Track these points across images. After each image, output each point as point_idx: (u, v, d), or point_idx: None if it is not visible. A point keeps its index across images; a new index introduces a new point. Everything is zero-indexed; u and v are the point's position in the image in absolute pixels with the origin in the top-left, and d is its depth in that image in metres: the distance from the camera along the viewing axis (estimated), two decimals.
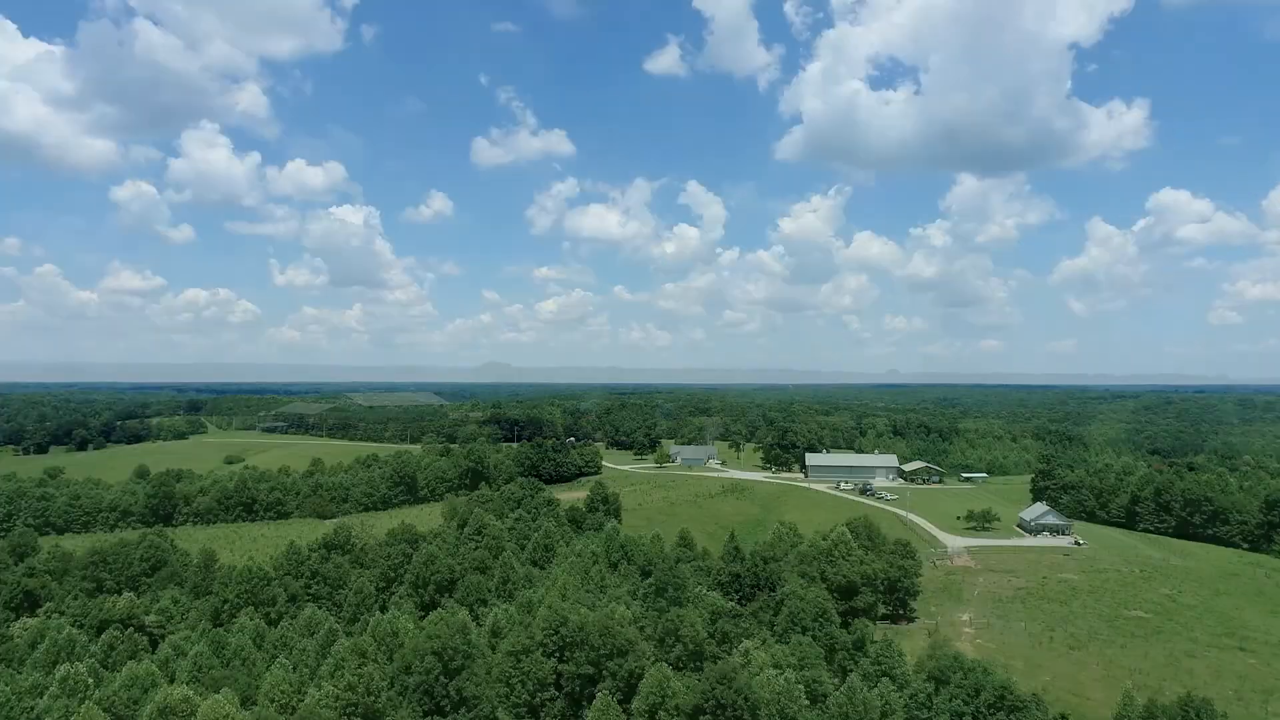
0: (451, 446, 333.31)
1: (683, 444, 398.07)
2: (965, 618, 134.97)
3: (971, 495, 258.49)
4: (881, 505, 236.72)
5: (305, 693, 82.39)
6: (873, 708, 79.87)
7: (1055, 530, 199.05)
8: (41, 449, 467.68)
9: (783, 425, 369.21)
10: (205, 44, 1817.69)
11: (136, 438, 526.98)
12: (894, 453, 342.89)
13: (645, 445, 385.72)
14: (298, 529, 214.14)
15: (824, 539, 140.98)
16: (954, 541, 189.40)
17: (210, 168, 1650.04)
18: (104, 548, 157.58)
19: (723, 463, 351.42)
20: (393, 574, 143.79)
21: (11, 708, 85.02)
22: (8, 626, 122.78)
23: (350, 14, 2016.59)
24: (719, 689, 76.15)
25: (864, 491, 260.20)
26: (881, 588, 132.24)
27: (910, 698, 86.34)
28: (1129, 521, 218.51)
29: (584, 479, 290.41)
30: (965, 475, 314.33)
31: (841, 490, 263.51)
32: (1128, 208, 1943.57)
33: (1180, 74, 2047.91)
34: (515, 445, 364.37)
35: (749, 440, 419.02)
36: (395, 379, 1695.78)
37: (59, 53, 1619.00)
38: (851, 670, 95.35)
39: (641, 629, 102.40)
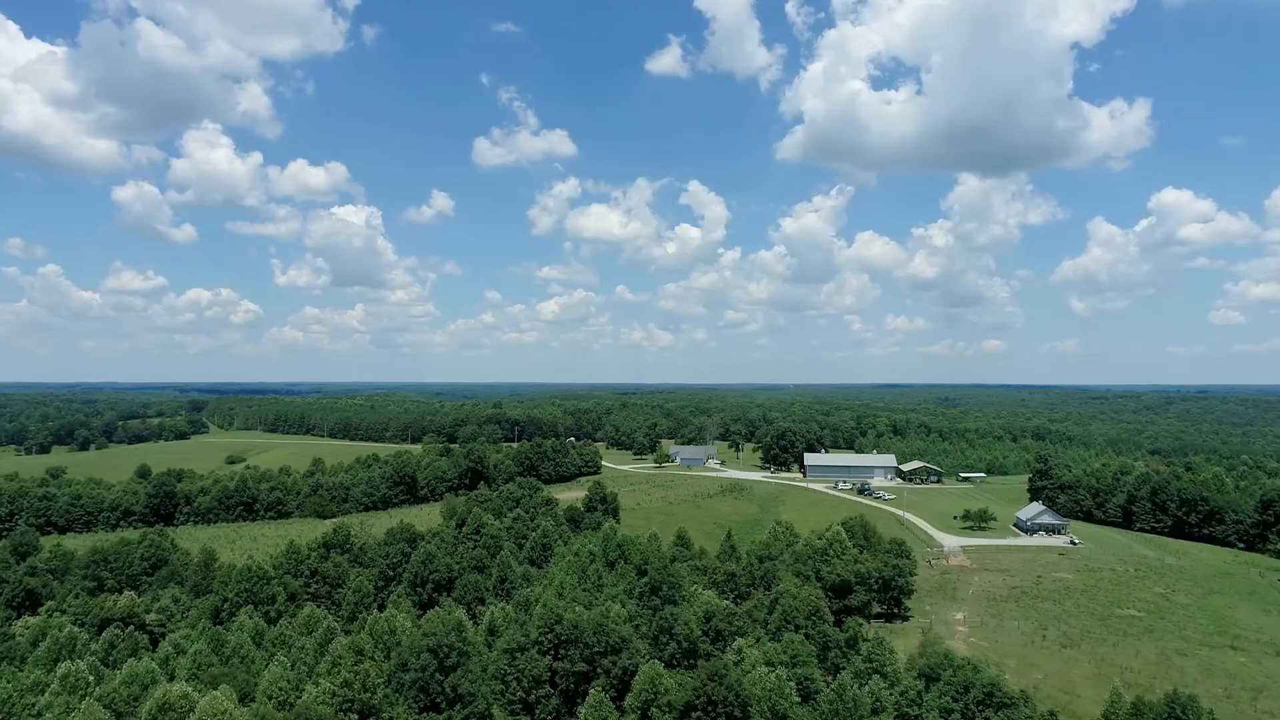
0: (452, 446, 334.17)
1: (682, 444, 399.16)
2: (959, 616, 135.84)
3: (969, 495, 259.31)
4: (879, 505, 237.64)
5: (303, 689, 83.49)
6: (863, 705, 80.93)
7: (1051, 530, 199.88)
8: (44, 449, 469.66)
9: (781, 425, 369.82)
10: (207, 44, 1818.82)
11: (138, 438, 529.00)
12: (894, 453, 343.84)
13: (645, 445, 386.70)
14: (298, 528, 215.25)
15: (819, 538, 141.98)
16: (950, 541, 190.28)
17: (212, 168, 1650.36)
18: (105, 547, 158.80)
19: (722, 463, 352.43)
20: (391, 573, 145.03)
21: (13, 704, 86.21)
22: (10, 625, 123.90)
23: (352, 14, 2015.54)
24: (710, 686, 77.20)
25: (862, 491, 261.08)
26: (875, 586, 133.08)
27: (901, 695, 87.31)
28: (1125, 521, 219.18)
29: (583, 479, 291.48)
30: (964, 475, 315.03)
31: (839, 490, 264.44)
32: (1130, 208, 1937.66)
33: (1182, 74, 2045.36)
34: (515, 445, 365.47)
35: (749, 440, 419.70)
36: (397, 379, 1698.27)
37: (61, 53, 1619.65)
38: (844, 668, 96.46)
39: (636, 627, 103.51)
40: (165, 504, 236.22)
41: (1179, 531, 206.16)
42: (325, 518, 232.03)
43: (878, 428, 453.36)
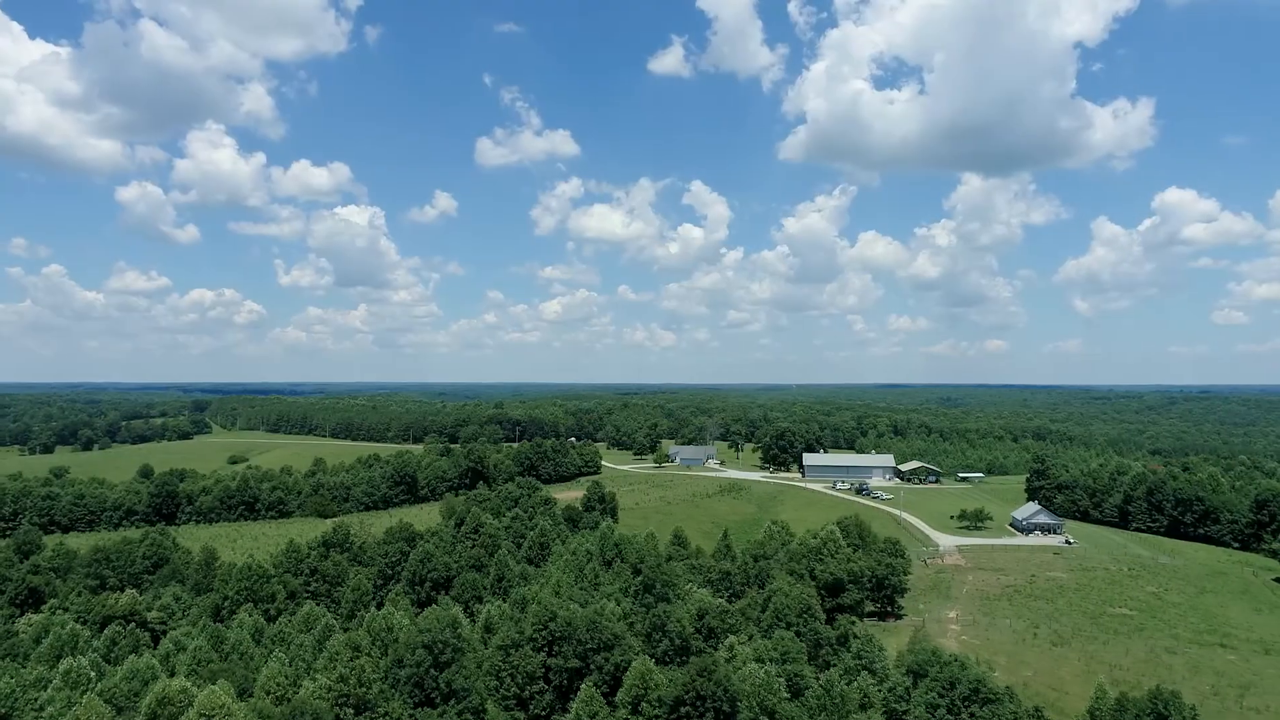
0: (452, 447, 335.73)
1: (683, 444, 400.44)
2: (952, 615, 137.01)
3: (967, 495, 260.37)
4: (876, 505, 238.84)
5: (300, 685, 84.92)
6: (850, 700, 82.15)
7: (1047, 529, 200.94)
8: (47, 449, 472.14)
9: (781, 425, 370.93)
10: (210, 45, 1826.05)
11: (141, 438, 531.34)
12: (894, 453, 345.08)
13: (645, 446, 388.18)
14: (299, 528, 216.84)
15: (813, 537, 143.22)
16: (946, 540, 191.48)
17: (215, 168, 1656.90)
18: (107, 546, 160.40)
19: (721, 463, 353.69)
20: (390, 571, 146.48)
21: (16, 699, 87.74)
22: (13, 622, 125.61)
23: (354, 15, 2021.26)
24: (699, 681, 78.50)
25: (860, 491, 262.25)
26: (868, 585, 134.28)
27: (889, 691, 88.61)
28: (1122, 521, 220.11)
29: (583, 479, 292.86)
30: (962, 475, 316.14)
31: (837, 490, 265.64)
32: (1133, 207, 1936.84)
33: (1186, 73, 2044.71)
34: (516, 445, 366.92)
35: (749, 440, 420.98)
36: (400, 379, 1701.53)
37: (65, 54, 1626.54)
38: (834, 665, 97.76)
39: (631, 625, 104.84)
40: (167, 503, 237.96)
41: (1175, 531, 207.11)
42: (326, 517, 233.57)
43: (878, 428, 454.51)
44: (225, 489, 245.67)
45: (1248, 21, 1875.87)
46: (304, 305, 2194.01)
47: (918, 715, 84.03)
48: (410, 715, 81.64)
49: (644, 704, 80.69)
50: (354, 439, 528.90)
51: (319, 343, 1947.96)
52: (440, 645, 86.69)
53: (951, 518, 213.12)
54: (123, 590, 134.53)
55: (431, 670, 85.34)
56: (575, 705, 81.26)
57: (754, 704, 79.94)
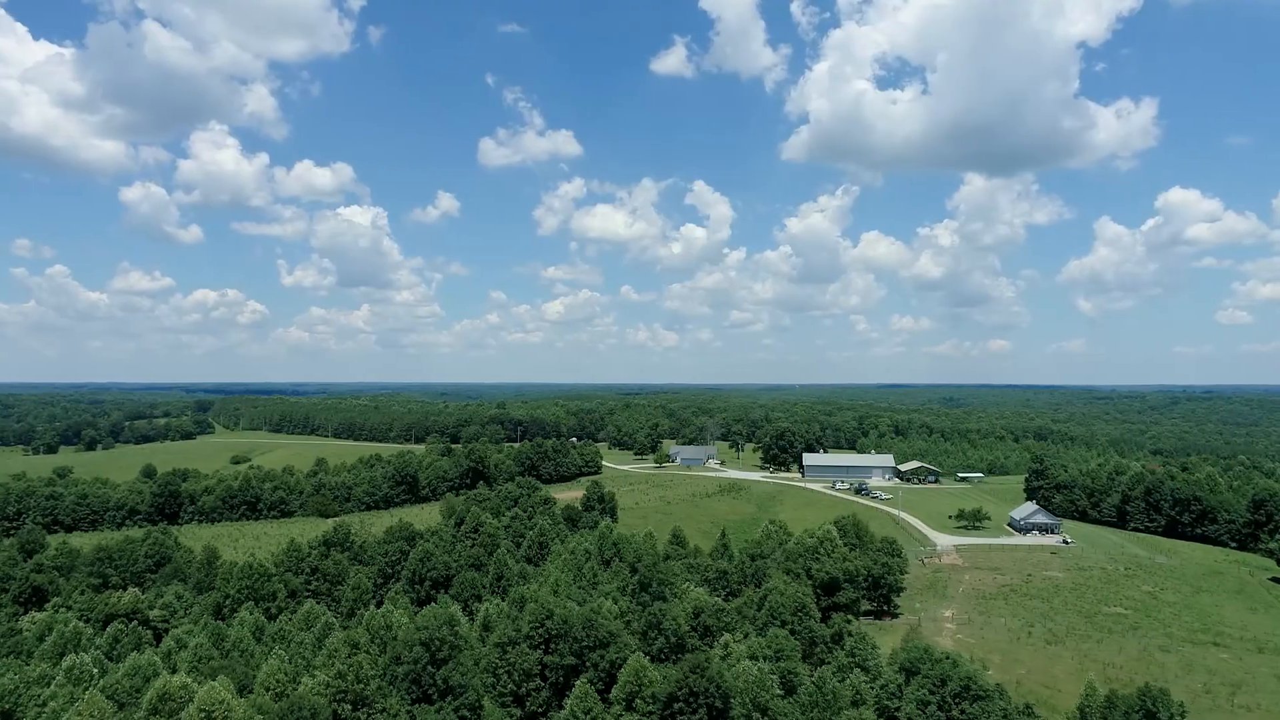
0: (454, 446, 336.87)
1: (683, 444, 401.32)
2: (948, 614, 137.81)
3: (966, 495, 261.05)
4: (875, 505, 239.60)
5: (300, 681, 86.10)
6: (842, 697, 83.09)
7: (1044, 529, 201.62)
8: (51, 449, 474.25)
9: (781, 425, 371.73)
10: (214, 46, 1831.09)
11: (145, 438, 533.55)
12: (895, 453, 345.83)
13: (646, 446, 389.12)
14: (300, 527, 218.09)
15: (810, 537, 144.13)
16: (944, 540, 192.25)
17: (219, 169, 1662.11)
18: (110, 545, 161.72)
19: (722, 463, 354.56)
20: (390, 570, 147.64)
21: (20, 696, 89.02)
22: (17, 620, 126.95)
23: (357, 15, 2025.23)
24: (692, 678, 79.53)
25: (859, 491, 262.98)
26: (864, 584, 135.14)
27: (881, 688, 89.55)
28: (1120, 521, 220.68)
29: (584, 479, 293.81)
30: (961, 475, 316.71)
31: (837, 490, 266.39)
32: (1136, 207, 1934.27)
33: (1189, 73, 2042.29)
34: (517, 445, 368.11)
35: (750, 440, 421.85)
36: (402, 379, 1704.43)
37: (69, 54, 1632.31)
38: (828, 662, 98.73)
39: (627, 623, 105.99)
40: (170, 503, 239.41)
41: (1172, 531, 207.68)
42: (327, 517, 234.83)
43: (879, 428, 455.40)
44: (227, 489, 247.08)
45: (1251, 21, 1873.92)
46: (307, 305, 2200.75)
47: (909, 712, 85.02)
48: (408, 711, 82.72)
49: (638, 700, 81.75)
50: (356, 439, 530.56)
51: (322, 343, 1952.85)
52: (437, 642, 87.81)
53: (950, 517, 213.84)
54: (125, 589, 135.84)
55: (429, 667, 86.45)
56: (570, 702, 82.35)
57: (747, 701, 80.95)
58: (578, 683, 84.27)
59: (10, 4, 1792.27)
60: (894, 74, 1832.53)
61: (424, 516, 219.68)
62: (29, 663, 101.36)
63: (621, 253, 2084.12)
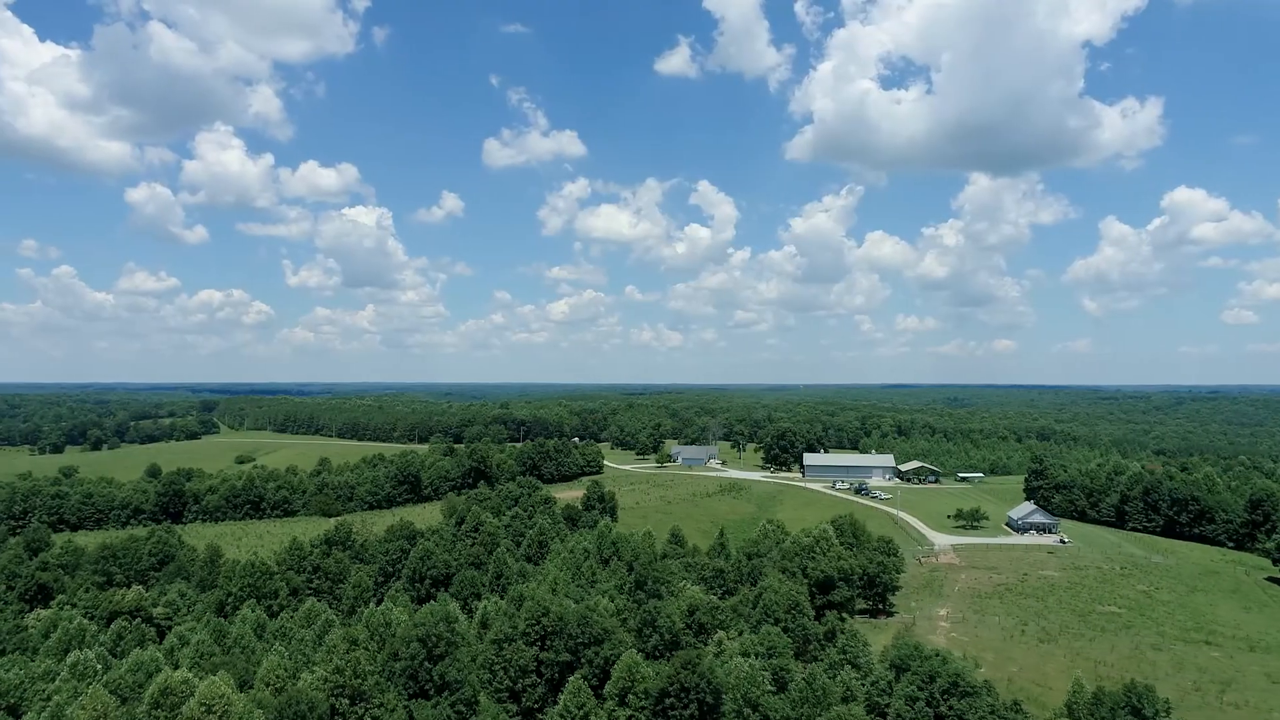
0: (456, 446, 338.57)
1: (685, 444, 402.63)
2: (943, 612, 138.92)
3: (965, 495, 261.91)
4: (875, 504, 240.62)
5: (299, 677, 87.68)
6: (832, 693, 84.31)
7: (1042, 529, 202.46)
8: (57, 449, 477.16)
9: (782, 425, 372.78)
10: (219, 47, 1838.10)
11: (150, 438, 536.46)
12: (897, 453, 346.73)
13: (648, 446, 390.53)
14: (303, 526, 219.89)
15: (806, 536, 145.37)
16: (942, 539, 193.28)
17: (224, 169, 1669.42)
18: (114, 543, 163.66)
19: (723, 463, 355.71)
20: (391, 569, 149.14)
21: (25, 691, 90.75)
22: (22, 617, 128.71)
23: (362, 16, 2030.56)
24: (683, 674, 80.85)
25: (859, 491, 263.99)
26: (859, 583, 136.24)
27: (872, 684, 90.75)
28: (1119, 521, 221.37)
29: (586, 478, 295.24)
30: (962, 475, 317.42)
31: (836, 490, 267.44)
32: (1142, 207, 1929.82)
33: (1194, 72, 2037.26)
34: (519, 445, 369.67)
35: (752, 440, 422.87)
36: (407, 379, 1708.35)
37: (74, 56, 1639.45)
38: (821, 659, 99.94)
39: (623, 621, 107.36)
40: (174, 502, 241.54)
41: (1170, 531, 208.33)
42: (330, 516, 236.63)
43: (882, 428, 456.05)
44: (231, 488, 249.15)
45: (1256, 21, 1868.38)
46: (312, 306, 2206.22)
47: (898, 708, 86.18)
48: (404, 706, 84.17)
49: (630, 696, 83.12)
50: (360, 439, 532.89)
51: (327, 343, 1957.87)
52: (434, 639, 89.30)
53: (948, 517, 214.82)
54: (129, 586, 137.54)
55: (425, 663, 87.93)
56: (564, 697, 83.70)
57: (738, 696, 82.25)
58: (572, 678, 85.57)
59: (16, 5, 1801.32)
60: (898, 73, 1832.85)
61: (425, 516, 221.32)
62: (34, 659, 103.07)
63: (626, 253, 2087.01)
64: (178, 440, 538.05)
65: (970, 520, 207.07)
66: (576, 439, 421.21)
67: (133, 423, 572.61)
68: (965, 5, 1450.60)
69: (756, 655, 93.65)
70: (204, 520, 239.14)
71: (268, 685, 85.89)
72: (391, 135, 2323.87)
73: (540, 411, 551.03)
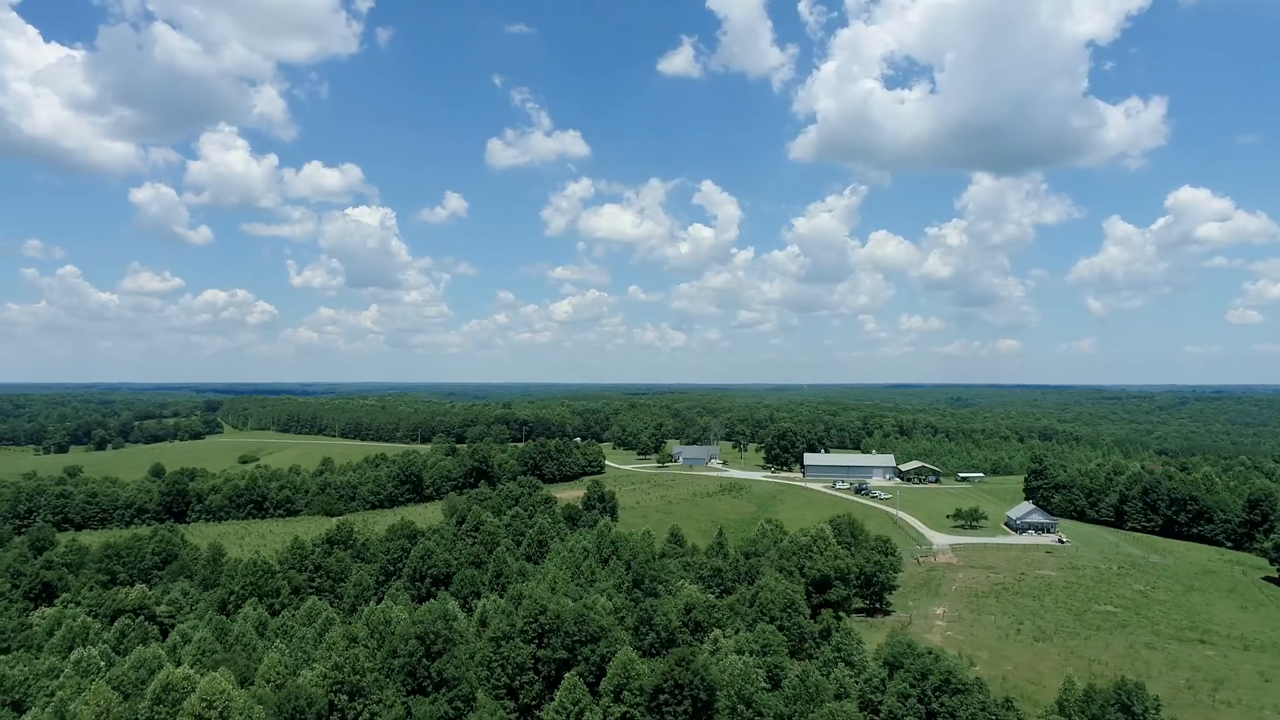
0: (458, 446, 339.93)
1: (687, 444, 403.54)
2: (939, 611, 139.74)
3: (965, 495, 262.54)
4: (875, 504, 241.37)
5: (299, 673, 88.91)
6: (826, 690, 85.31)
7: (1040, 529, 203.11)
8: (62, 448, 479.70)
9: (783, 425, 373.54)
10: (223, 47, 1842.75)
11: (154, 437, 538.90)
12: (899, 453, 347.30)
13: (650, 446, 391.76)
14: (305, 525, 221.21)
15: (804, 535, 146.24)
16: (940, 539, 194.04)
17: (228, 170, 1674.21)
18: (118, 542, 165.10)
19: (724, 463, 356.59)
20: (392, 568, 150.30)
21: (29, 687, 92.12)
22: (27, 615, 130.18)
23: (365, 17, 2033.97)
24: (677, 671, 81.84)
25: (859, 491, 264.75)
26: (856, 582, 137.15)
27: (865, 682, 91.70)
28: (1118, 520, 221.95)
29: (587, 478, 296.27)
30: (962, 475, 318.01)
31: (837, 490, 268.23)
32: (1146, 206, 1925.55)
33: (1198, 71, 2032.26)
34: (521, 445, 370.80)
35: (753, 440, 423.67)
36: (411, 379, 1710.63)
37: (79, 57, 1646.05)
38: (815, 657, 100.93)
39: (620, 619, 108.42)
40: (177, 502, 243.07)
41: (1169, 530, 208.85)
42: (332, 515, 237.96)
43: (884, 428, 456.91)
44: (234, 488, 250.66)
45: (1260, 20, 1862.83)
46: (316, 306, 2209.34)
47: (891, 705, 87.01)
48: (403, 703, 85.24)
49: (625, 692, 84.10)
50: (363, 439, 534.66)
51: (330, 343, 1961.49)
52: (432, 636, 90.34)
53: (947, 517, 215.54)
54: (133, 585, 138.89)
55: (424, 660, 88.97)
56: (560, 693, 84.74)
57: (732, 693, 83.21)
58: (568, 675, 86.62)
59: (21, 6, 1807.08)
60: (902, 73, 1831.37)
61: (427, 515, 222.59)
62: (39, 656, 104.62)
63: (629, 253, 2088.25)
64: (182, 440, 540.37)
65: (969, 520, 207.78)
66: (578, 439, 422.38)
67: (137, 423, 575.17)
68: (969, 5, 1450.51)
69: (751, 653, 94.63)
70: (207, 520, 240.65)
71: (268, 682, 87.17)
72: (395, 135, 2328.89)
73: (543, 411, 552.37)
